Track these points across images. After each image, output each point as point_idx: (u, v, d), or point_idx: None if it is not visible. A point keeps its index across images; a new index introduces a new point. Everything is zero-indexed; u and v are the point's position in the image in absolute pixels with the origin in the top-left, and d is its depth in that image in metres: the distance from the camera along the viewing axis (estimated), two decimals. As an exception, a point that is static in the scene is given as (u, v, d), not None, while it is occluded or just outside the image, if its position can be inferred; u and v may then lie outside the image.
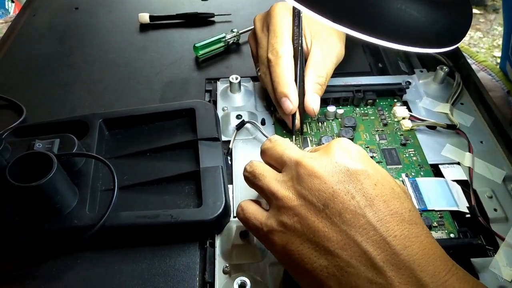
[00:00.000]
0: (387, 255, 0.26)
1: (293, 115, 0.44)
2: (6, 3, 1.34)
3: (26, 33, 0.62)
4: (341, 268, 0.26)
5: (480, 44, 2.04)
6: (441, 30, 0.26)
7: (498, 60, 1.84)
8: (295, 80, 0.43)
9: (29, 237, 0.35)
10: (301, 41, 0.43)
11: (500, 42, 2.02)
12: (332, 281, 0.26)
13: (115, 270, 0.35)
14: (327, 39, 0.46)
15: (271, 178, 0.31)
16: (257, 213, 0.31)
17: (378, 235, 0.26)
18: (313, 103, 0.43)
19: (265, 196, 0.32)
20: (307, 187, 0.29)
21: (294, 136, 0.45)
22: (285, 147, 0.33)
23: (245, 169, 0.34)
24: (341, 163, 0.29)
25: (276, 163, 0.33)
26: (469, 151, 0.44)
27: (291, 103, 0.42)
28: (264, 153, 0.35)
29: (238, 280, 0.32)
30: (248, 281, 0.32)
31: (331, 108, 0.46)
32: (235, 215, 0.38)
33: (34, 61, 0.57)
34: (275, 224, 0.29)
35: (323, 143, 0.43)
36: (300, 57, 0.43)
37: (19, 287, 0.34)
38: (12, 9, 1.36)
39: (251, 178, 0.33)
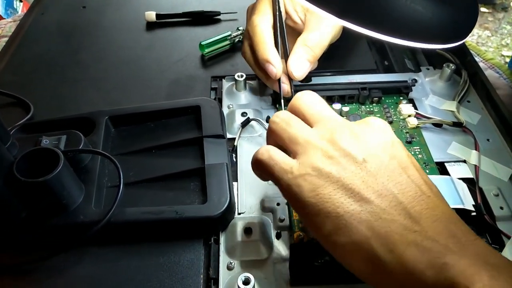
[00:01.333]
0: (422, 208, 0.26)
1: (279, 81, 0.44)
2: (14, 2, 1.35)
3: (35, 31, 0.63)
4: (376, 214, 0.26)
5: (488, 43, 2.02)
6: (447, 26, 0.26)
7: (507, 60, 1.82)
8: (276, 47, 0.43)
9: (35, 232, 0.36)
10: (279, 5, 0.43)
11: (509, 41, 2.00)
12: (364, 225, 0.26)
13: (120, 265, 0.35)
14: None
15: (309, 130, 0.30)
16: (286, 158, 0.30)
17: (414, 191, 0.27)
18: (293, 65, 0.43)
19: (297, 145, 0.30)
20: (349, 141, 0.29)
21: (283, 103, 0.44)
22: (320, 104, 0.32)
23: (274, 118, 0.32)
24: (379, 133, 0.30)
25: (307, 116, 0.32)
26: (476, 149, 0.44)
27: (274, 68, 0.42)
28: (294, 106, 0.33)
29: (242, 277, 0.32)
30: (252, 278, 0.32)
31: (337, 106, 0.46)
32: (240, 211, 0.39)
33: (42, 59, 0.57)
34: (309, 169, 0.28)
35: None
36: (280, 21, 0.44)
37: (25, 282, 0.35)
38: (20, 8, 1.37)
39: (283, 126, 0.31)
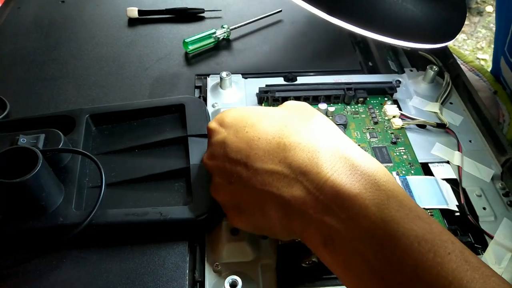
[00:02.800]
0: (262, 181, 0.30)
1: None
2: (-12, -4, 1.30)
3: (10, 26, 0.60)
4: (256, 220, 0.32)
5: (464, 46, 2.07)
6: (437, 26, 0.26)
7: (482, 62, 1.87)
8: None
9: (12, 235, 0.34)
10: None
11: (484, 45, 2.05)
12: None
13: (102, 269, 0.34)
14: None
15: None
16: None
17: (249, 171, 0.31)
18: None
19: None
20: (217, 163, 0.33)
21: None
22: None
23: None
24: (214, 141, 0.34)
25: None
26: (458, 150, 0.44)
27: None
28: None
29: (229, 279, 0.32)
30: (239, 280, 0.32)
31: (323, 106, 0.46)
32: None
33: (19, 55, 0.55)
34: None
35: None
36: None
37: (1, 287, 0.33)
38: (-5, 2, 1.33)
39: None
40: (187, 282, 0.34)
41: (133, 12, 0.61)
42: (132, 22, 0.61)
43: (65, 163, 0.38)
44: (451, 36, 0.27)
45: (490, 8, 2.21)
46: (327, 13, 0.24)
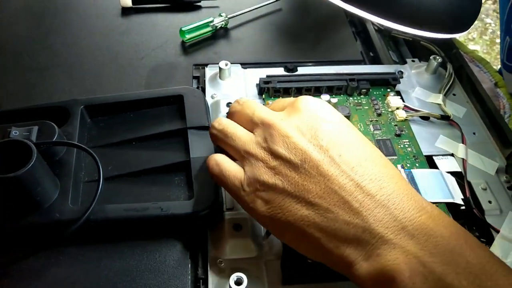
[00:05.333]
0: (363, 197, 0.27)
1: None
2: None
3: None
4: (320, 215, 0.27)
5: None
6: (454, 15, 0.25)
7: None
8: None
9: (6, 232, 0.33)
10: None
11: (475, 36, 2.06)
12: (313, 228, 0.27)
13: (101, 266, 0.33)
14: None
15: (246, 139, 0.31)
16: (235, 172, 0.31)
17: (352, 182, 0.27)
18: None
19: (239, 156, 0.31)
20: (283, 146, 0.29)
21: None
22: (254, 108, 0.33)
23: (213, 127, 0.34)
24: (311, 121, 0.30)
25: (246, 125, 0.33)
26: (463, 143, 0.43)
27: None
28: (232, 115, 0.34)
29: (234, 276, 0.31)
30: (244, 277, 0.31)
31: (325, 97, 0.45)
32: (228, 207, 0.37)
33: (8, 43, 0.53)
34: (257, 184, 0.29)
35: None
36: None
37: (-5, 286, 0.32)
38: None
39: (221, 137, 0.33)
40: (189, 280, 0.33)
41: (127, 0, 0.58)
42: (126, 10, 0.59)
43: (60, 157, 0.37)
44: (467, 25, 0.26)
45: (481, -1, 2.21)
46: (343, 0, 0.23)
